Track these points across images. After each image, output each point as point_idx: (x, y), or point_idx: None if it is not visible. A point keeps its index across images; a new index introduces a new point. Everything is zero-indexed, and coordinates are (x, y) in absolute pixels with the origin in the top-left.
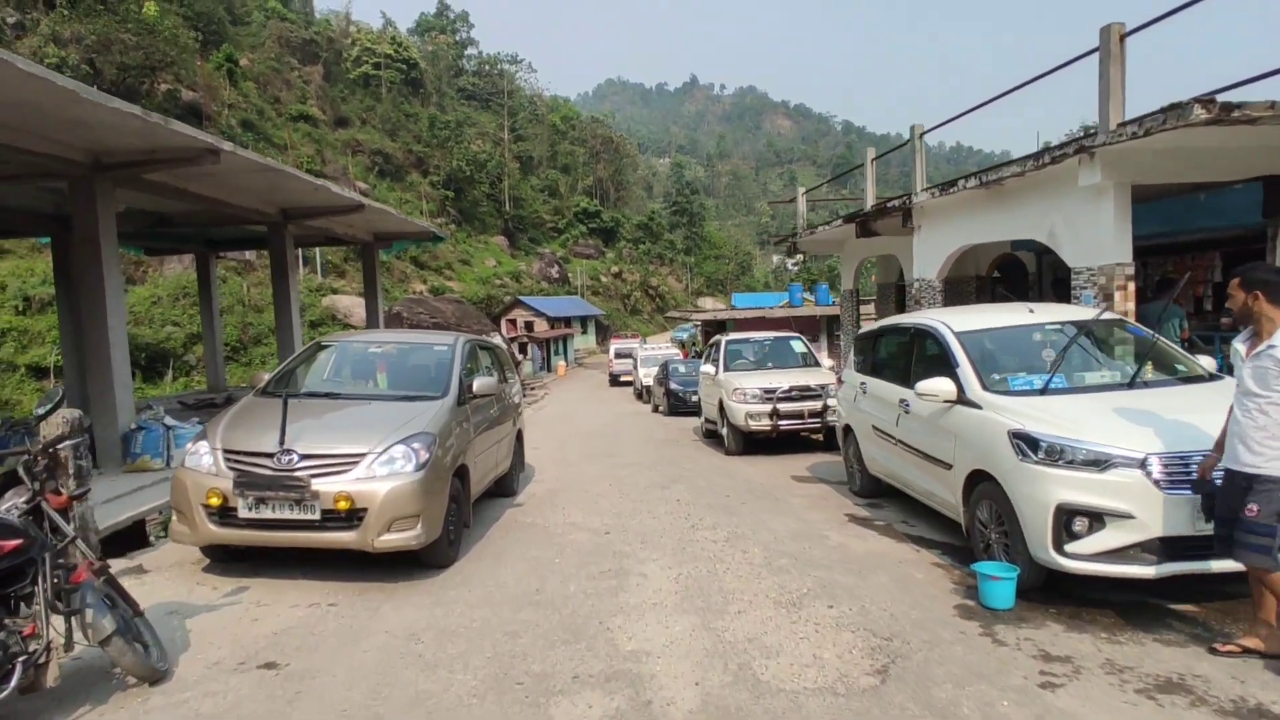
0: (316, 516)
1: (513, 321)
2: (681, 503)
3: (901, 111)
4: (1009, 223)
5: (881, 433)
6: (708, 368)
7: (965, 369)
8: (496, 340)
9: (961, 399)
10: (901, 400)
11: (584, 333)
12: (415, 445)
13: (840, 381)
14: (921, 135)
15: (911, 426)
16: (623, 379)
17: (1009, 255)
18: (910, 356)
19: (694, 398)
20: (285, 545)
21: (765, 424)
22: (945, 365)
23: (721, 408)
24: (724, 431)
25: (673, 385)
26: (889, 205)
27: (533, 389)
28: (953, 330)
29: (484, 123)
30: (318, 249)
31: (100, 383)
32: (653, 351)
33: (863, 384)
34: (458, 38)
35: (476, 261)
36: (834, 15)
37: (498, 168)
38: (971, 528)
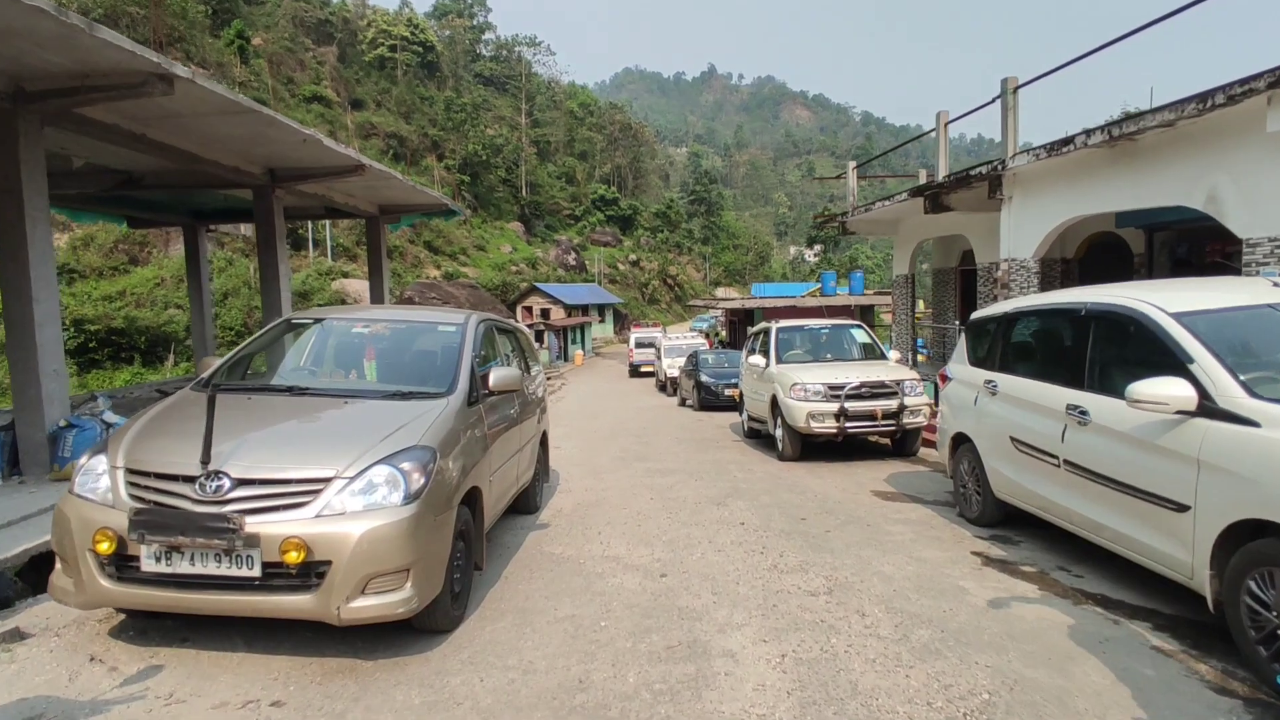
0: (255, 573)
1: (529, 309)
2: (748, 528)
3: (921, 103)
4: (1142, 187)
5: (1029, 448)
6: (756, 359)
7: (1207, 366)
8: (516, 323)
9: (1207, 409)
10: (1072, 407)
11: (601, 321)
12: (406, 465)
13: (943, 379)
14: (1016, 90)
15: (1093, 444)
16: (643, 369)
17: (1104, 234)
18: (1082, 348)
19: (727, 391)
20: (210, 613)
21: (830, 426)
22: (1160, 361)
23: (774, 406)
24: (777, 433)
25: (704, 377)
26: (971, 174)
27: (550, 379)
28: (1167, 311)
29: (500, 107)
30: (327, 229)
31: (24, 370)
32: (678, 341)
33: (990, 383)
34: (475, 22)
35: (492, 248)
36: (853, 5)
37: (514, 153)
38: (1234, 605)
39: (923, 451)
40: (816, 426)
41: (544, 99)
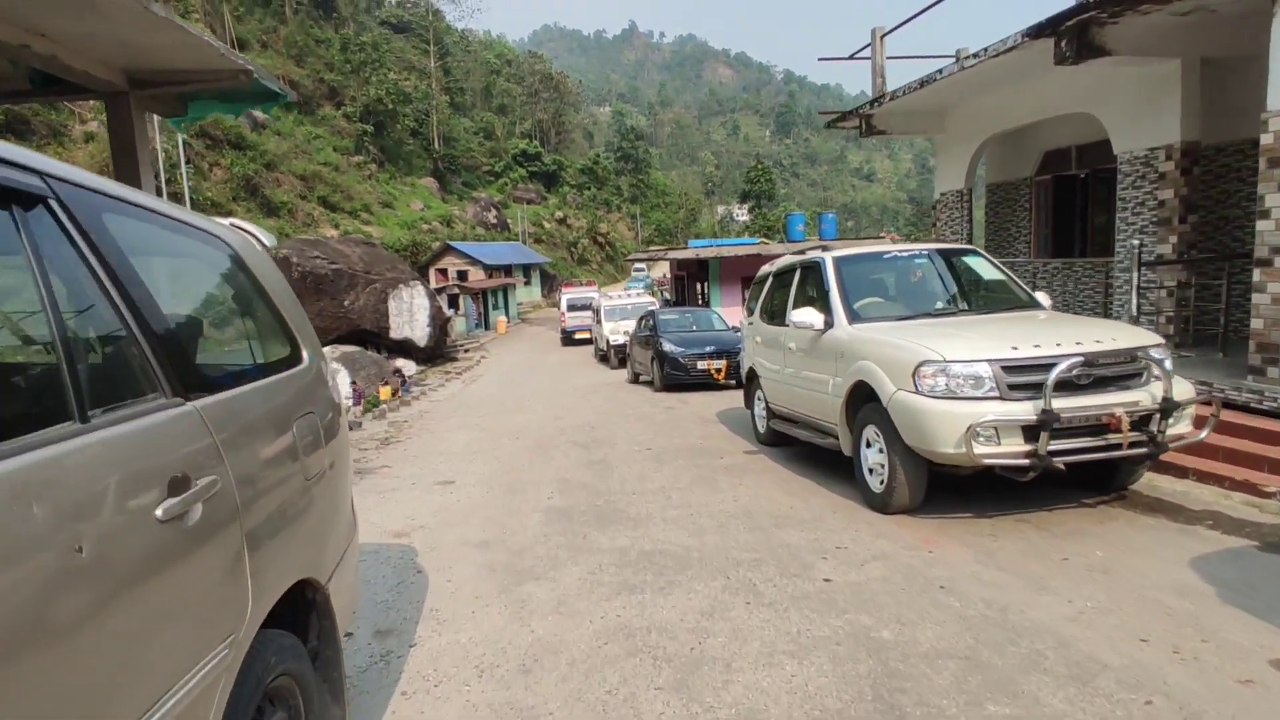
0: None
1: (443, 271)
2: None
3: (842, 62)
4: None
5: None
6: (802, 316)
7: None
8: (244, 240)
9: None
10: None
11: (527, 284)
12: None
13: None
14: None
15: None
16: (578, 336)
17: None
18: None
19: (701, 365)
20: None
21: (1017, 450)
22: None
23: (851, 405)
24: (866, 457)
25: (667, 346)
26: None
27: (467, 351)
28: None
29: (406, 51)
30: (184, 177)
31: None
32: (621, 301)
33: None
34: None
35: (401, 205)
36: None
37: (425, 99)
38: None
39: (1146, 479)
40: (986, 452)
41: (456, 44)
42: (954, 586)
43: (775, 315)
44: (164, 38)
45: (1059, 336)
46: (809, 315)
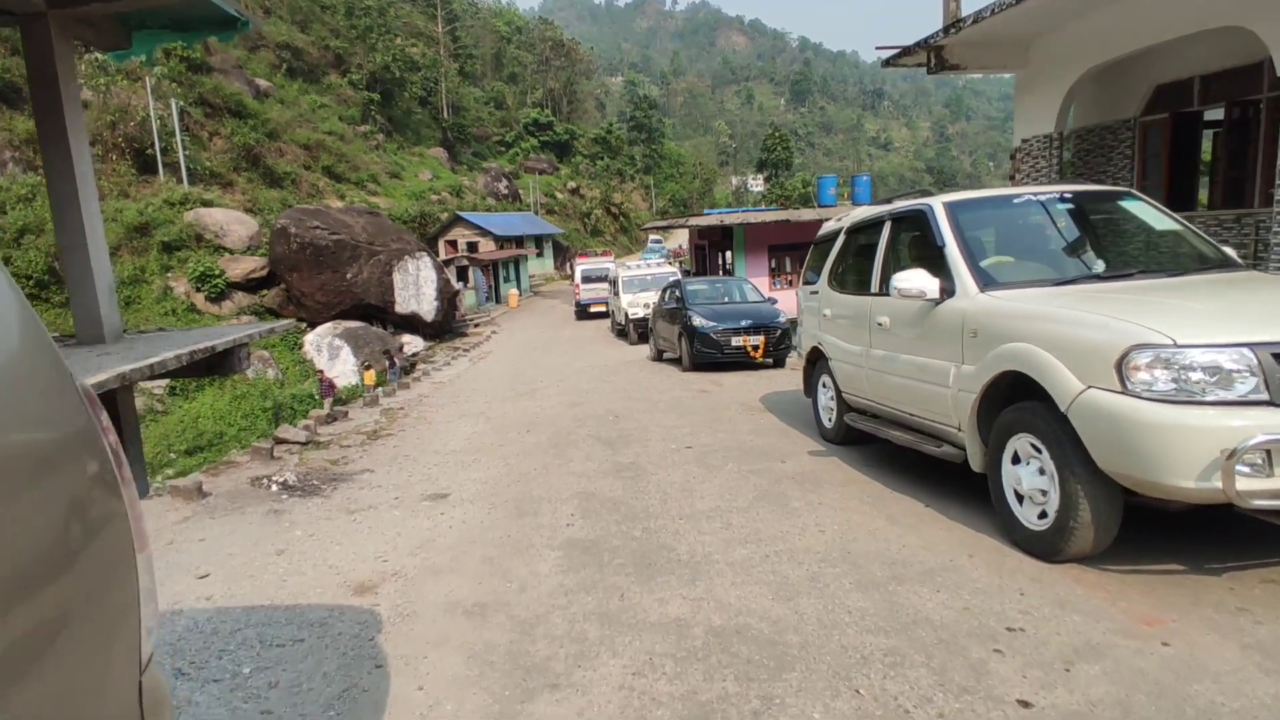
0: None
1: (452, 243)
2: None
3: (857, 27)
4: None
5: None
6: (910, 281)
7: None
8: None
9: None
10: None
11: (539, 255)
12: None
13: None
14: None
15: None
16: (594, 310)
17: None
18: None
19: (735, 341)
20: None
21: None
22: None
23: (989, 404)
24: (1027, 485)
25: (696, 320)
26: None
27: (477, 325)
28: None
29: (413, 16)
30: (179, 146)
31: None
32: (641, 271)
33: None
34: None
35: (409, 175)
36: None
37: (433, 67)
38: None
39: None
40: (1255, 489)
41: (465, 10)
42: None
43: (849, 282)
44: None
45: None
46: (919, 279)
